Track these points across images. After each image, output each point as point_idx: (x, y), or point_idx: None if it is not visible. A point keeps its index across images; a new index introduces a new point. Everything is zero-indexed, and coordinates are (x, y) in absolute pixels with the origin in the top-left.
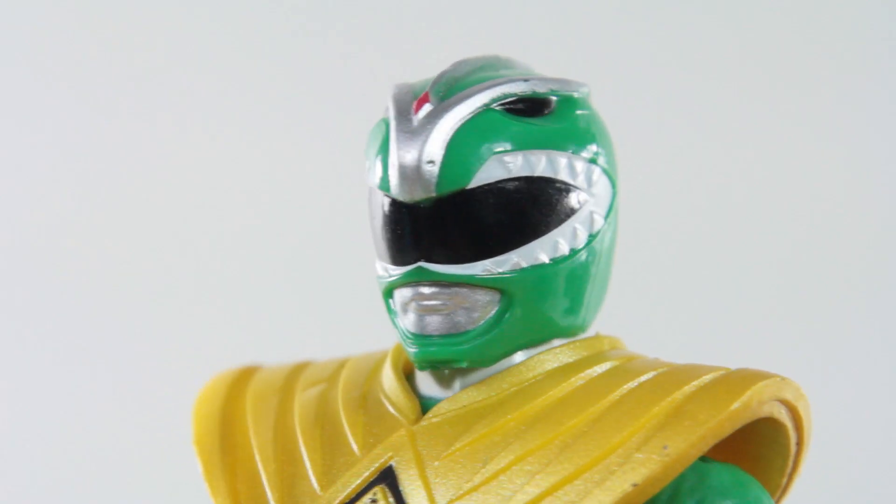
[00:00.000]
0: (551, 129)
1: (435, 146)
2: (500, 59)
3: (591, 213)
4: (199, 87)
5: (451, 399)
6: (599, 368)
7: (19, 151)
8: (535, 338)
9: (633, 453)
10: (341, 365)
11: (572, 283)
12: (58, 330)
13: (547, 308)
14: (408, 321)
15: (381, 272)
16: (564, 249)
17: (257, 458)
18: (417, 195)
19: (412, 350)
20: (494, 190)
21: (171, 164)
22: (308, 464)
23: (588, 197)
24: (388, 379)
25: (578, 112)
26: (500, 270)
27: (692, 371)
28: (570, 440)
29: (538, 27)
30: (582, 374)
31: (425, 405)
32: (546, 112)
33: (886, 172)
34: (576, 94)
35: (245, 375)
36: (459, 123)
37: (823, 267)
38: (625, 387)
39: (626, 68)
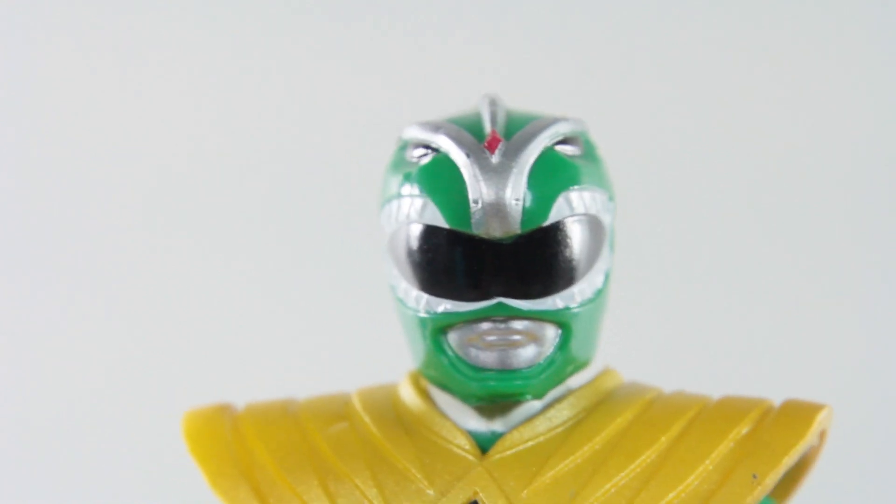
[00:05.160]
0: (590, 167)
1: (520, 184)
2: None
3: (611, 242)
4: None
5: (515, 433)
6: (641, 399)
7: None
8: (574, 370)
9: (722, 482)
10: (344, 402)
11: (601, 313)
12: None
13: (589, 340)
14: (474, 356)
15: (435, 308)
16: (601, 281)
17: (307, 501)
18: (502, 232)
19: (477, 384)
20: (562, 227)
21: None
22: None
23: (608, 228)
24: (430, 415)
25: (597, 152)
26: (567, 305)
27: (740, 403)
28: (651, 470)
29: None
30: (631, 405)
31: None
32: (581, 152)
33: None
34: (589, 134)
35: (223, 413)
36: (533, 162)
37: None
38: (684, 418)
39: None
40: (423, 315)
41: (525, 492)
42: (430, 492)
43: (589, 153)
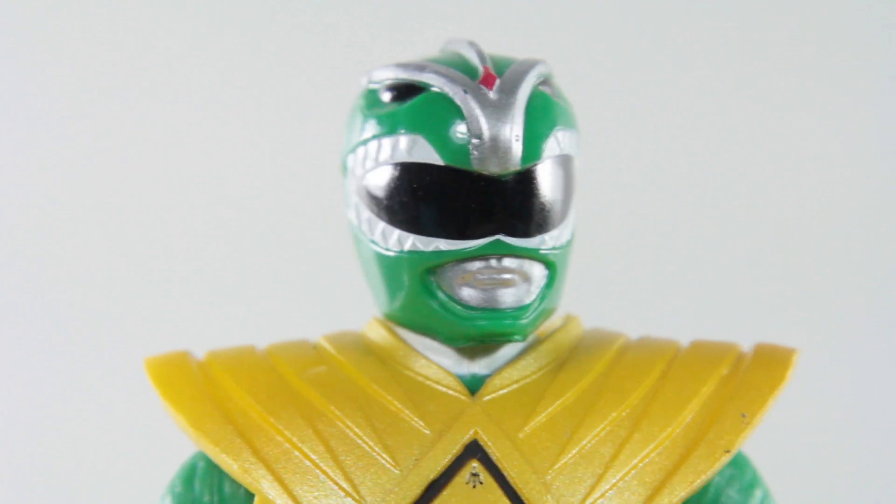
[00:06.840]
0: (564, 107)
1: (519, 121)
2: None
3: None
4: (185, 72)
5: (504, 373)
6: (615, 343)
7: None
8: (548, 315)
9: (712, 420)
10: (312, 346)
11: (571, 255)
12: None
13: (563, 283)
14: (467, 295)
15: (424, 248)
16: (573, 222)
17: (298, 443)
18: (501, 168)
19: (466, 324)
20: (551, 166)
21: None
22: (371, 446)
23: (577, 170)
24: (413, 356)
25: (563, 92)
26: (554, 245)
27: (713, 346)
28: (641, 409)
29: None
30: (607, 348)
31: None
32: (554, 92)
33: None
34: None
35: (186, 358)
36: (527, 100)
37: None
38: (664, 359)
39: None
40: (406, 256)
41: (524, 430)
42: (427, 431)
43: (560, 94)
